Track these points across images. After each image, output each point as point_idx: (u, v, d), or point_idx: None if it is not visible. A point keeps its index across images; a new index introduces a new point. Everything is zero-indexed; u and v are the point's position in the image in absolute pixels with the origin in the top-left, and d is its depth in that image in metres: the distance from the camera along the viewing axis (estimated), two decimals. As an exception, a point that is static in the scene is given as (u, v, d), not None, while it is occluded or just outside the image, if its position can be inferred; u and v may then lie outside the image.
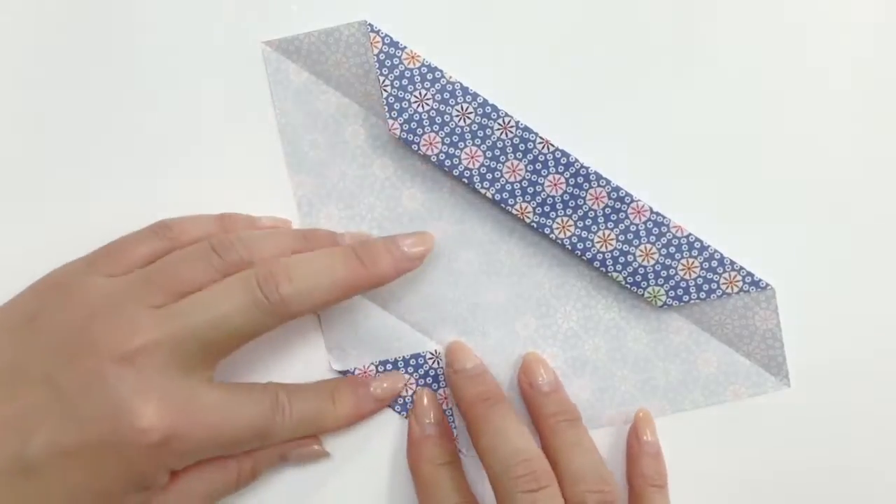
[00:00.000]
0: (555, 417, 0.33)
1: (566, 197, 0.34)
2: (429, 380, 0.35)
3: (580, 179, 0.34)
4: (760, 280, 0.34)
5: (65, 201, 0.35)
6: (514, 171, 0.34)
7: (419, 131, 0.34)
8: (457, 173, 0.34)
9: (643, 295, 0.35)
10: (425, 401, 0.35)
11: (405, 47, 0.34)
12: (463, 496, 0.33)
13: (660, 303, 0.34)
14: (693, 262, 0.34)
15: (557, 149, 0.34)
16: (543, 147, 0.34)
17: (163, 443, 0.29)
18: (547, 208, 0.34)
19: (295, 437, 0.33)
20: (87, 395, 0.28)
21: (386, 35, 0.34)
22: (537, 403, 0.34)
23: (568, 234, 0.34)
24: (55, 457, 0.28)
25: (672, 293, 0.34)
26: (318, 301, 0.31)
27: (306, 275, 0.31)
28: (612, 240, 0.34)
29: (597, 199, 0.34)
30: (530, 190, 0.34)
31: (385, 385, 0.35)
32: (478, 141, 0.34)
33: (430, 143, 0.34)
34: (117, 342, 0.29)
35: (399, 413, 0.35)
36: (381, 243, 0.33)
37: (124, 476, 0.29)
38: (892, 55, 0.36)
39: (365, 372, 0.35)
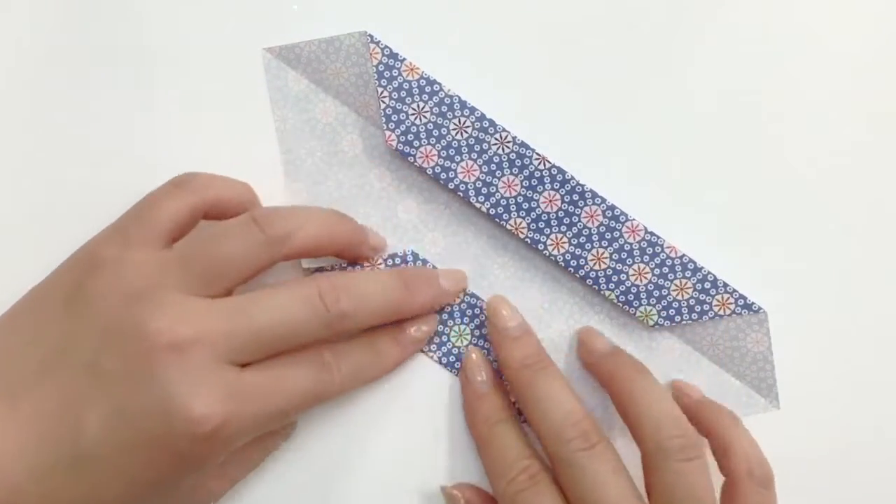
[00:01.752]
0: (623, 370, 0.33)
1: (560, 214, 0.34)
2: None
3: (575, 197, 0.34)
4: (753, 303, 0.34)
5: (64, 204, 0.35)
6: (509, 186, 0.34)
7: (416, 143, 0.34)
8: (452, 186, 0.34)
9: (635, 314, 0.34)
10: (474, 357, 0.35)
11: (404, 59, 0.34)
12: (520, 451, 0.33)
13: (651, 322, 0.34)
14: (686, 283, 0.34)
15: (553, 165, 0.34)
16: (540, 163, 0.34)
17: (216, 430, 0.28)
18: (541, 224, 0.34)
19: (344, 392, 0.33)
20: (134, 385, 0.28)
21: (386, 46, 0.34)
22: (603, 363, 0.34)
23: (562, 250, 0.34)
24: (109, 450, 0.27)
25: (664, 313, 0.34)
26: (367, 321, 0.32)
27: (363, 295, 0.31)
28: (605, 258, 0.34)
29: (591, 217, 0.34)
30: (525, 206, 0.34)
31: (424, 328, 0.35)
32: (474, 155, 0.34)
33: (427, 156, 0.34)
34: (165, 329, 0.28)
35: (444, 366, 0.35)
36: (423, 275, 0.34)
37: (180, 463, 0.28)
38: (892, 66, 0.36)
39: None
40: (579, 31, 0.35)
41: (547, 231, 0.34)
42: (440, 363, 0.35)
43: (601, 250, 0.34)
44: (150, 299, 0.29)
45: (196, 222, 0.32)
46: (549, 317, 0.35)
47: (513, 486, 0.32)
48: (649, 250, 0.34)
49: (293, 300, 0.30)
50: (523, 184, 0.34)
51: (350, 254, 0.34)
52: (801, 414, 0.35)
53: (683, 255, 0.34)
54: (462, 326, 0.35)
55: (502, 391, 0.35)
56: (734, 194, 0.35)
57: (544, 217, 0.34)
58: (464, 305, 0.35)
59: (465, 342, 0.35)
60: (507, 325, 0.34)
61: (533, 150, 0.34)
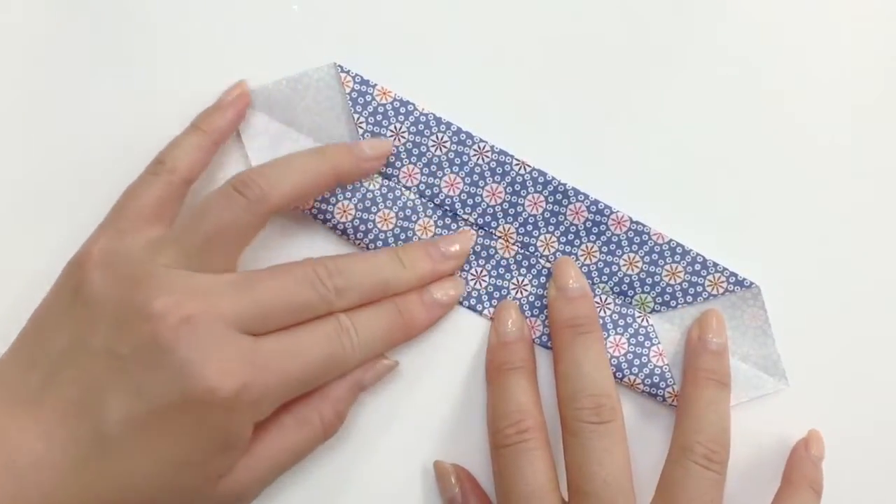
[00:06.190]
0: (706, 373, 0.33)
1: (547, 215, 0.35)
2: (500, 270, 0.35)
3: (559, 196, 0.35)
4: (745, 279, 0.35)
5: (61, 204, 0.36)
6: (493, 194, 0.35)
7: (398, 164, 0.35)
8: (438, 201, 0.35)
9: (631, 303, 0.35)
10: (507, 308, 0.35)
11: (376, 84, 0.35)
12: (520, 404, 0.32)
13: (648, 309, 0.35)
14: (677, 268, 0.35)
15: (534, 168, 0.35)
16: (520, 168, 0.35)
17: (234, 396, 0.28)
18: (529, 227, 0.35)
19: (367, 358, 0.33)
20: (149, 363, 0.28)
21: (357, 74, 0.35)
22: (696, 355, 0.34)
23: (552, 250, 0.35)
24: (131, 430, 0.28)
25: (659, 299, 0.35)
26: (366, 296, 0.33)
27: (357, 271, 0.32)
28: (595, 252, 0.35)
29: (577, 214, 0.35)
30: (511, 211, 0.35)
31: (451, 292, 0.34)
32: (455, 168, 0.35)
33: (410, 175, 0.35)
34: (171, 305, 0.28)
35: (479, 313, 0.35)
36: (418, 247, 0.34)
37: (204, 438, 0.29)
38: (887, 61, 0.37)
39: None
40: (543, 33, 0.36)
41: (535, 233, 0.35)
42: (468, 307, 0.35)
43: (590, 245, 0.35)
44: (152, 279, 0.29)
45: (182, 196, 0.33)
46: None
47: (498, 437, 0.32)
48: (637, 239, 0.35)
49: (292, 278, 0.31)
50: (507, 190, 0.35)
51: (350, 179, 0.34)
52: (809, 390, 0.35)
53: (671, 241, 0.35)
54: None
55: (528, 344, 0.35)
56: (719, 174, 0.36)
57: (531, 220, 0.35)
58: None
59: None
60: (568, 284, 0.34)
61: (512, 157, 0.35)
